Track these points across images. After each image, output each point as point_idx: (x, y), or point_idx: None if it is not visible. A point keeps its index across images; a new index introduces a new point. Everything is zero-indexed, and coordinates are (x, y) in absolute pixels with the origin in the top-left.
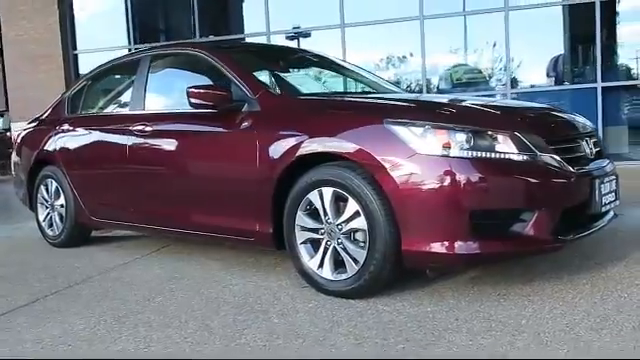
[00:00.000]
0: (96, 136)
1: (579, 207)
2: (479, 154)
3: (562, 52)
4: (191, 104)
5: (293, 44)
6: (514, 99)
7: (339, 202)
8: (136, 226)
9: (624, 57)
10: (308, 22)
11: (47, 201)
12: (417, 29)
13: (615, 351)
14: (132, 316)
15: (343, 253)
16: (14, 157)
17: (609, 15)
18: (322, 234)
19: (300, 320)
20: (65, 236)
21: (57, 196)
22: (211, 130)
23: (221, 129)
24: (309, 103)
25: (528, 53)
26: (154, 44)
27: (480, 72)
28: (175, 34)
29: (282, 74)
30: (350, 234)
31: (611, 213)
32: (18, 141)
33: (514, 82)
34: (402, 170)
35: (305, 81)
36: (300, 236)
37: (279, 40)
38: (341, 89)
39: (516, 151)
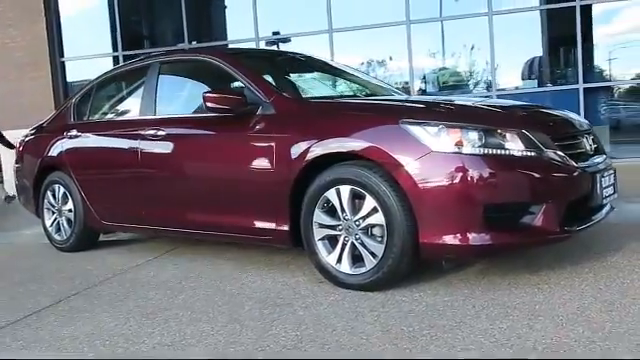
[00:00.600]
0: (106, 141)
1: (582, 200)
2: (490, 151)
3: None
4: (207, 108)
5: (284, 48)
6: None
7: (355, 199)
8: (150, 228)
9: (604, 59)
10: (295, 27)
11: (54, 206)
12: (404, 33)
13: (618, 351)
14: (160, 313)
15: (361, 248)
16: (16, 164)
17: (587, 18)
18: (340, 230)
19: (325, 312)
20: (74, 240)
21: (65, 201)
22: (226, 133)
23: (236, 132)
24: (322, 106)
25: (511, 56)
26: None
27: (465, 75)
28: (161, 41)
29: (291, 78)
30: (367, 229)
31: (608, 206)
32: (20, 148)
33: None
34: (418, 167)
35: (312, 85)
36: (318, 233)
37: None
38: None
39: (524, 148)
